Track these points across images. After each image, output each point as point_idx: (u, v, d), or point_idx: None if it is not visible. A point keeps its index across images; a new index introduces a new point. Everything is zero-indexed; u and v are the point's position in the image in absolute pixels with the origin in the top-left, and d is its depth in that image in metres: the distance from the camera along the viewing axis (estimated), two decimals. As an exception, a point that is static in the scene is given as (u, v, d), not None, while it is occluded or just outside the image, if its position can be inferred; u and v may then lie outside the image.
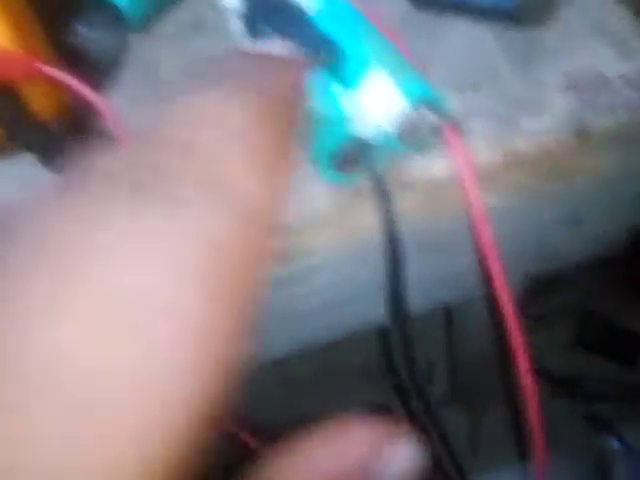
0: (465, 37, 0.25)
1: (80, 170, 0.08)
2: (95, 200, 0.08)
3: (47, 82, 0.23)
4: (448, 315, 0.57)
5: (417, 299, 0.25)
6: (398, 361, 0.31)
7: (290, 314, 0.27)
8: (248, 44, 0.25)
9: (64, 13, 0.27)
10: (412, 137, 0.21)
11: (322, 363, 0.53)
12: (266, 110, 0.09)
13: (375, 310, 0.29)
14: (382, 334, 0.50)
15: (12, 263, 0.07)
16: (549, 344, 0.60)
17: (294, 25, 0.23)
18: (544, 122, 0.22)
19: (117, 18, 0.28)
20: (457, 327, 0.58)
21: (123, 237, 0.07)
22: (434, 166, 0.22)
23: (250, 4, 0.25)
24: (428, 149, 0.22)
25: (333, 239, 0.22)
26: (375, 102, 0.21)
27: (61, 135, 0.25)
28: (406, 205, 0.22)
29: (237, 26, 0.25)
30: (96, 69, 0.27)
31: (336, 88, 0.21)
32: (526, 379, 0.24)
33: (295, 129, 0.10)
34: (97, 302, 0.07)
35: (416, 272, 0.24)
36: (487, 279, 0.23)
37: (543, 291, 0.61)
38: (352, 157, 0.20)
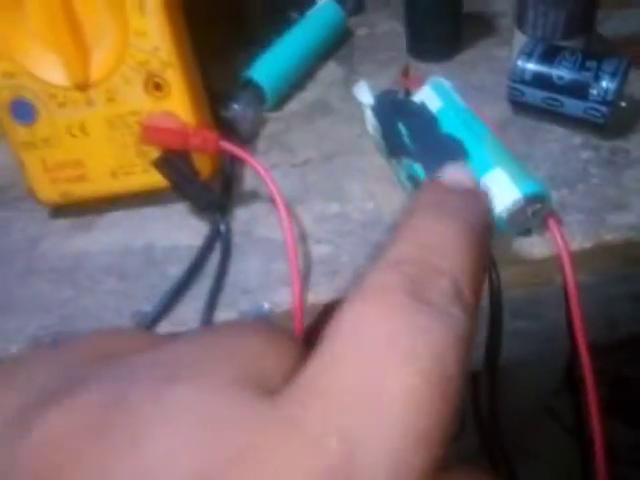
0: (559, 142, 0.29)
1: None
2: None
3: (216, 151, 0.28)
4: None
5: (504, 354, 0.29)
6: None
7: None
8: (375, 131, 0.30)
9: (224, 93, 0.32)
10: (519, 223, 0.26)
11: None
12: (477, 232, 0.13)
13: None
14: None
15: None
16: (581, 407, 0.62)
17: (421, 124, 0.28)
18: (627, 219, 0.27)
19: (259, 97, 0.34)
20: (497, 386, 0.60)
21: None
22: (534, 247, 0.26)
23: (380, 100, 0.30)
24: (531, 233, 0.26)
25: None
26: (492, 193, 0.25)
27: (215, 191, 0.30)
28: (509, 277, 0.26)
29: (369, 116, 0.30)
30: (240, 138, 0.33)
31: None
32: (599, 447, 0.27)
33: (489, 244, 0.14)
34: None
35: (508, 332, 0.28)
36: (572, 343, 0.27)
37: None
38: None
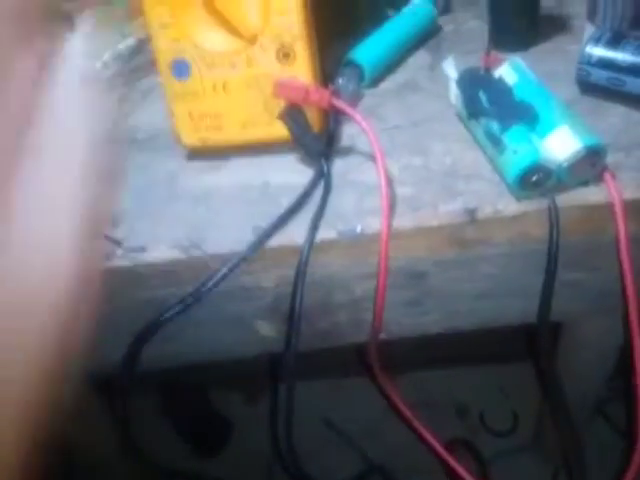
0: (620, 117, 0.34)
1: None
2: None
3: (329, 106, 0.35)
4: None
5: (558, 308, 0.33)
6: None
7: (446, 293, 0.36)
8: (457, 99, 0.36)
9: (331, 72, 0.40)
10: (579, 173, 0.31)
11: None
12: None
13: (519, 309, 0.37)
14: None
15: None
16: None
17: (498, 92, 0.34)
18: (677, 179, 0.31)
19: (359, 75, 0.41)
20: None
21: None
22: (590, 195, 0.31)
23: (464, 75, 0.36)
24: (588, 184, 0.31)
25: (509, 237, 0.32)
26: (558, 145, 0.30)
27: (323, 143, 0.37)
28: (567, 223, 0.31)
29: (453, 90, 0.36)
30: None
31: (532, 136, 0.31)
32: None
33: None
34: None
35: (562, 283, 0.32)
36: (623, 296, 0.31)
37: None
38: (537, 182, 0.30)
